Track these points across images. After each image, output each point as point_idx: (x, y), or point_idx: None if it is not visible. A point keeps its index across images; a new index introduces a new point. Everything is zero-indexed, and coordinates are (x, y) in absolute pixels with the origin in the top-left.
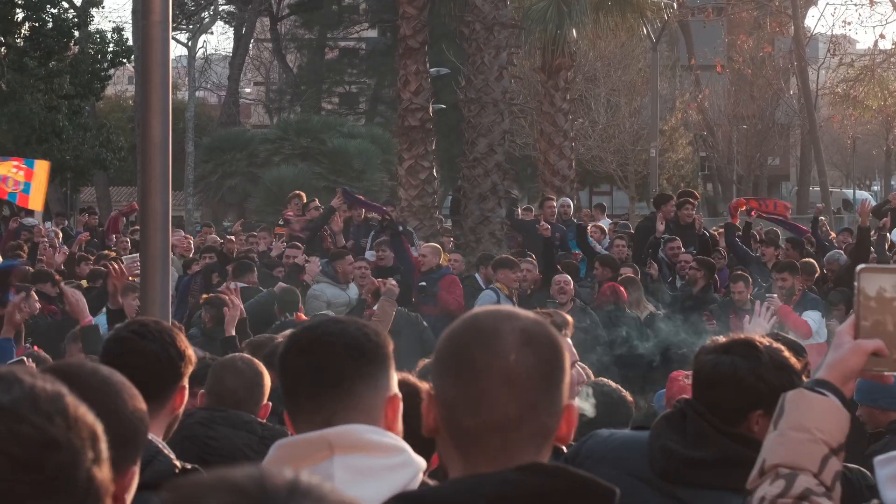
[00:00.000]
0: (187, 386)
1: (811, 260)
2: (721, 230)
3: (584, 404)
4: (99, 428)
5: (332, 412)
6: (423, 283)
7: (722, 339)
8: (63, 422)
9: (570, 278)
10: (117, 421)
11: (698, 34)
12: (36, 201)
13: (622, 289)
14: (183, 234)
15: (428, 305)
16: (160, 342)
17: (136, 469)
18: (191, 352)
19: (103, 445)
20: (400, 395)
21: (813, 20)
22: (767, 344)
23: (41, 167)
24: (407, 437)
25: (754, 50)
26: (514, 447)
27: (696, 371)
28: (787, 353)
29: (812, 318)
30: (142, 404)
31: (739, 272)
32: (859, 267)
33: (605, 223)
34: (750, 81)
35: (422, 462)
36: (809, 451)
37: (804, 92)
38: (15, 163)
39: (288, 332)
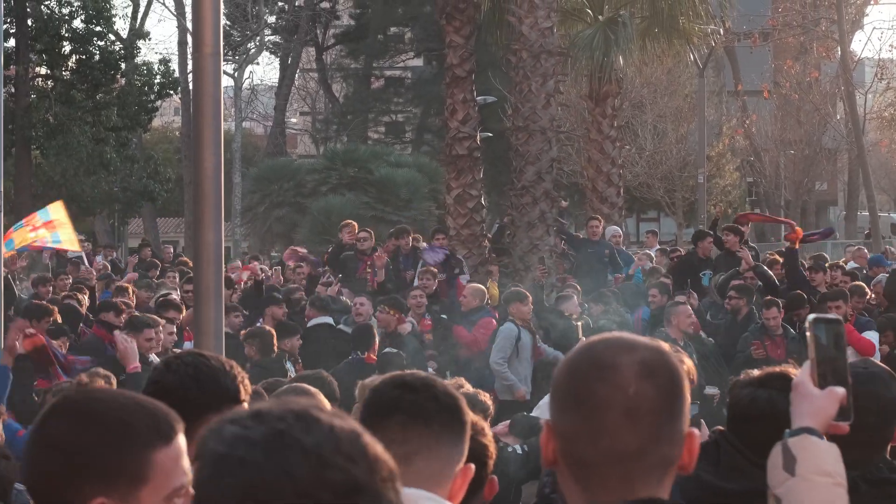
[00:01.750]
0: None
1: (860, 283)
2: (774, 255)
3: None
4: (395, 467)
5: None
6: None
7: (756, 372)
8: (365, 463)
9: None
10: None
11: (745, 59)
12: (72, 243)
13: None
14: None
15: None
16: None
17: None
18: (247, 383)
19: (399, 485)
20: (472, 466)
21: (859, 44)
22: None
23: (56, 210)
24: None
25: (801, 75)
26: (635, 478)
27: (731, 405)
28: None
29: (872, 337)
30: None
31: (770, 298)
32: (812, 316)
33: (653, 251)
34: (797, 106)
35: None
36: (838, 495)
37: (851, 116)
38: (28, 228)
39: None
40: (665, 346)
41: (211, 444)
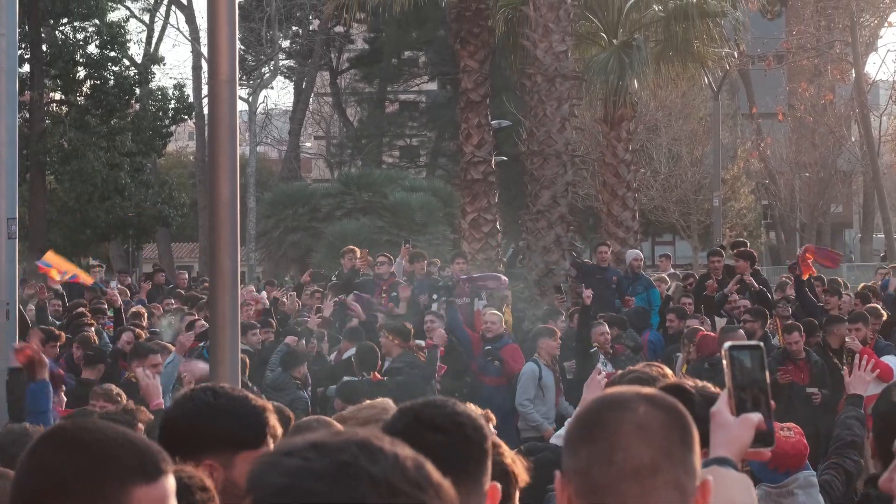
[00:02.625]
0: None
1: (876, 306)
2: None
3: None
4: (454, 494)
5: None
6: (488, 349)
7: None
8: (432, 490)
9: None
10: None
11: (759, 82)
12: (83, 275)
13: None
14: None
15: (489, 376)
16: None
17: None
18: (275, 425)
19: None
20: (498, 485)
21: (874, 67)
22: None
23: (50, 258)
24: None
25: (815, 97)
26: (651, 497)
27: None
28: None
29: (892, 362)
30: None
31: (791, 322)
32: (727, 344)
33: (667, 275)
34: (811, 129)
35: None
36: None
37: (866, 139)
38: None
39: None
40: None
41: (269, 476)
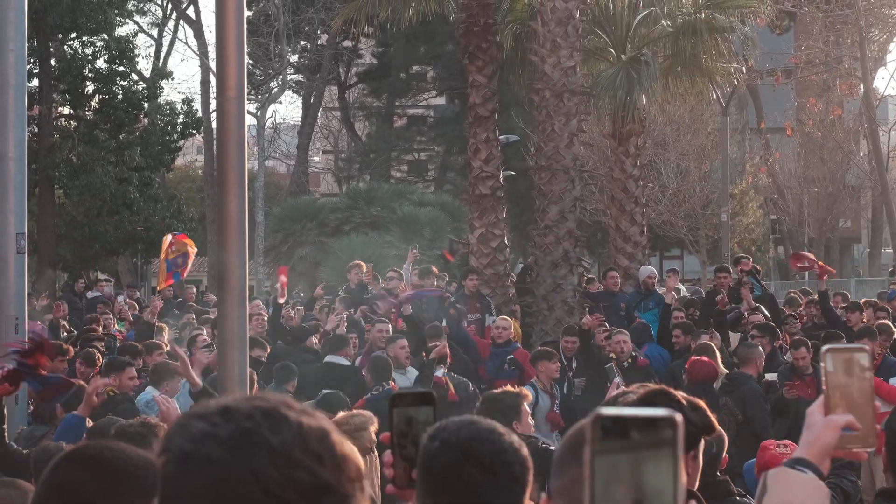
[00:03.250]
0: None
1: (887, 322)
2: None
3: None
4: (363, 466)
5: None
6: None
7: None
8: (333, 463)
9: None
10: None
11: (767, 97)
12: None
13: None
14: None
15: (502, 380)
16: None
17: None
18: None
19: (367, 484)
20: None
21: (882, 82)
22: None
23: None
24: None
25: (824, 112)
26: None
27: None
28: None
29: None
30: None
31: (799, 338)
32: (825, 347)
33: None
34: (820, 144)
35: None
36: None
37: (875, 154)
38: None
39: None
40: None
41: (178, 440)
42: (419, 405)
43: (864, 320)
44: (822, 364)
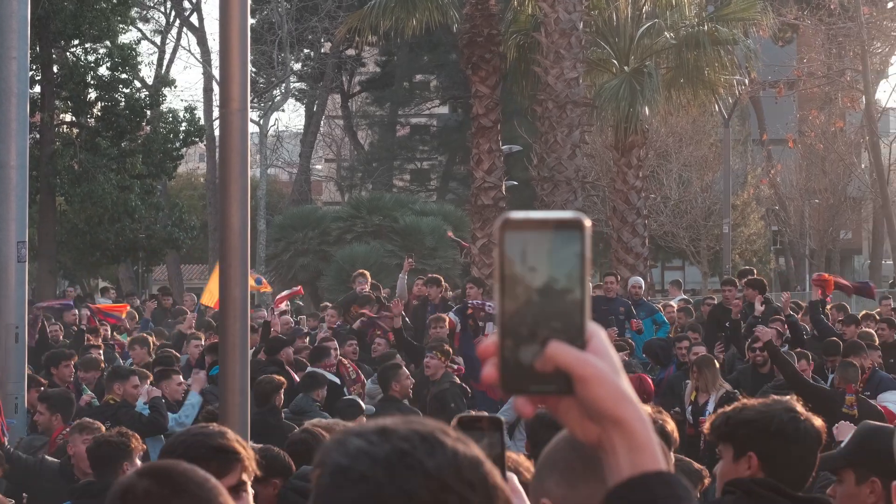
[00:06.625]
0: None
1: (871, 331)
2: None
3: None
4: (511, 497)
5: None
6: None
7: None
8: (484, 491)
9: None
10: None
11: (770, 109)
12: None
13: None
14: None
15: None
16: None
17: None
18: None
19: None
20: None
21: (884, 94)
22: None
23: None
24: None
25: (826, 124)
26: None
27: None
28: None
29: (890, 400)
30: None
31: (799, 350)
32: None
33: (675, 301)
34: (821, 156)
35: None
36: None
37: (876, 166)
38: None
39: None
40: (670, 424)
41: (334, 454)
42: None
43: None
44: None
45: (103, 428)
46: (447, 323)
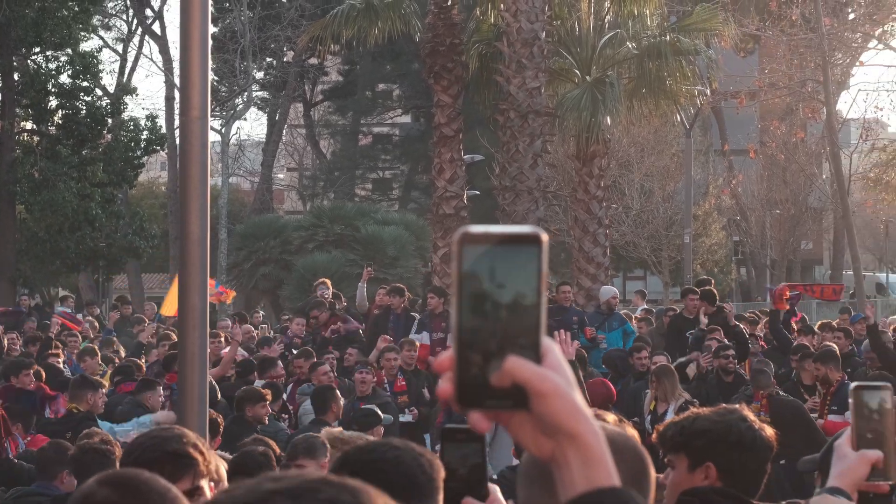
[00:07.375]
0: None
1: (831, 345)
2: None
3: None
4: None
5: None
6: None
7: None
8: None
9: None
10: None
11: (731, 120)
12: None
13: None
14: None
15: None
16: None
17: None
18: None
19: None
20: None
21: (845, 105)
22: None
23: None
24: None
25: (787, 135)
26: None
27: None
28: None
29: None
30: None
31: (760, 360)
32: (853, 385)
33: (639, 311)
34: (783, 166)
35: None
36: None
37: (837, 177)
38: None
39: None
40: (631, 431)
41: None
42: (468, 441)
43: (815, 344)
44: (850, 400)
45: None
46: (418, 349)
